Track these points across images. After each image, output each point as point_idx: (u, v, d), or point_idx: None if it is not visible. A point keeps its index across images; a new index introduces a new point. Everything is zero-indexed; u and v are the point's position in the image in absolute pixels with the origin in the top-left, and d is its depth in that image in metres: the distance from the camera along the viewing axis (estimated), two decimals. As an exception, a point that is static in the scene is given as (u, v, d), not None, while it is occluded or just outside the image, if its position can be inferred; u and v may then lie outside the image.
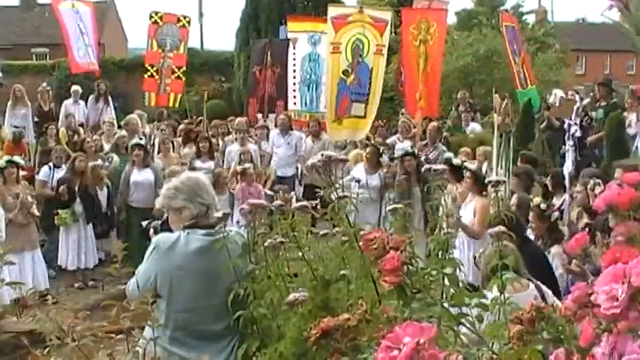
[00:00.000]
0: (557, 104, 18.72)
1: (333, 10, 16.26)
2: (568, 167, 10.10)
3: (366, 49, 15.54)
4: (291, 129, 15.59)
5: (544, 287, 6.16)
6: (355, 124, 15.53)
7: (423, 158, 13.04)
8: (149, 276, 4.31)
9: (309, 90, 17.36)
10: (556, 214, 8.39)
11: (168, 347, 4.07)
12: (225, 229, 4.10)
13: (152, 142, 15.97)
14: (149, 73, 18.89)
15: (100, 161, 12.99)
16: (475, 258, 8.64)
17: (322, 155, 3.43)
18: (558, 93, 19.35)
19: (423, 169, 3.50)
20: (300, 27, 18.03)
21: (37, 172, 13.35)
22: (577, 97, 17.31)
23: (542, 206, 8.23)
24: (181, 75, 19.00)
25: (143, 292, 4.24)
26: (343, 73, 15.58)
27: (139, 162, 12.65)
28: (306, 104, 17.39)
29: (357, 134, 15.58)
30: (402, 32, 16.18)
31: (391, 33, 16.72)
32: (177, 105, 19.18)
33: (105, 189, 12.56)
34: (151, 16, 18.79)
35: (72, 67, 20.09)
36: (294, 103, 17.36)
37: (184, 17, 19.52)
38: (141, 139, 14.66)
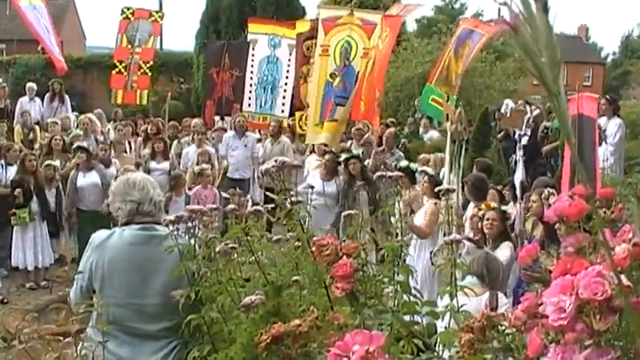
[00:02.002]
0: (507, 114, 18.94)
1: (324, 12, 16.25)
2: (518, 177, 10.16)
3: (354, 52, 15.46)
4: (247, 130, 15.58)
5: (501, 295, 6.24)
6: (332, 128, 15.44)
7: (380, 165, 13.10)
8: (84, 271, 4.35)
9: (264, 92, 17.32)
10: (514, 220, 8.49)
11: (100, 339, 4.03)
12: (169, 230, 4.08)
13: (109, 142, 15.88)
14: (117, 69, 18.72)
15: (57, 162, 12.79)
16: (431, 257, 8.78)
17: (276, 161, 3.42)
18: (509, 103, 19.57)
19: (375, 176, 3.49)
20: (261, 29, 17.96)
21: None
22: (527, 108, 17.54)
23: (508, 209, 8.38)
24: (147, 70, 18.84)
25: (85, 293, 4.32)
26: (330, 76, 15.53)
27: (82, 165, 12.44)
28: (261, 106, 17.32)
29: (333, 138, 15.46)
30: None
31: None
32: (144, 102, 18.97)
33: (53, 189, 12.37)
34: (122, 12, 18.67)
35: (55, 63, 19.81)
36: (249, 105, 17.29)
37: (157, 12, 19.44)
38: (97, 139, 14.54)
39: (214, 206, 4.10)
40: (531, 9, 1.46)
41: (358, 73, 15.43)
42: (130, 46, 18.62)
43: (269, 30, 17.86)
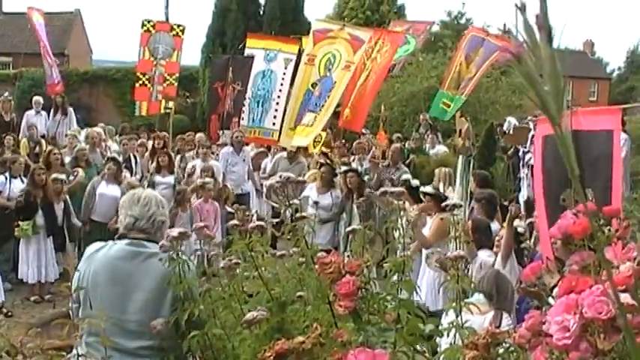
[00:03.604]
0: (510, 132, 18.96)
1: (317, 24, 16.43)
2: (523, 195, 10.15)
3: (336, 63, 15.62)
4: (244, 145, 15.63)
5: (505, 316, 6.21)
6: (301, 132, 15.59)
7: (385, 180, 13.10)
8: (75, 281, 4.32)
9: (258, 106, 17.39)
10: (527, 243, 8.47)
11: (85, 350, 4.01)
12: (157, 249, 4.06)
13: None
14: (141, 82, 18.78)
15: (64, 175, 12.80)
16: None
17: (280, 177, 3.41)
18: (512, 121, 19.59)
19: (379, 192, 3.48)
20: (259, 44, 18.11)
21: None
22: (531, 125, 17.54)
23: (520, 229, 8.35)
24: (173, 81, 18.92)
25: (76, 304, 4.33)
26: (312, 85, 15.65)
27: (109, 176, 12.49)
28: (253, 120, 17.39)
29: (302, 141, 15.56)
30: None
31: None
32: (166, 110, 18.93)
33: (62, 203, 12.38)
34: (143, 24, 18.74)
35: (47, 81, 20.20)
36: (242, 119, 17.36)
37: (178, 26, 19.50)
38: (102, 153, 14.57)
39: (188, 232, 3.95)
40: (535, 38, 1.44)
41: (335, 83, 15.57)
42: (152, 58, 18.67)
43: (266, 45, 18.00)
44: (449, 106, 17.56)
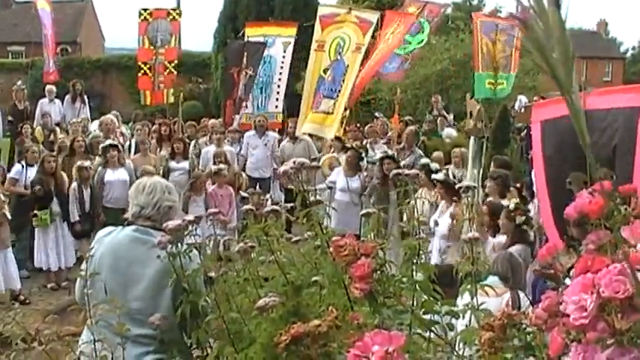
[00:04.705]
0: (521, 110, 18.82)
1: (323, 9, 16.41)
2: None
3: (346, 47, 15.60)
4: (267, 130, 15.63)
5: (523, 295, 6.20)
6: (322, 120, 15.53)
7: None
8: (89, 265, 4.30)
9: (261, 93, 17.47)
10: (521, 218, 8.40)
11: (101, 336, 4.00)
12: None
13: (130, 142, 15.96)
14: (142, 71, 18.77)
15: (88, 162, 12.85)
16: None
17: (294, 162, 3.39)
18: (522, 99, 19.44)
19: (392, 174, 3.47)
20: (257, 32, 18.20)
21: (9, 171, 13.16)
22: (539, 104, 17.49)
23: (511, 206, 8.29)
24: (172, 69, 18.90)
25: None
26: (324, 71, 15.64)
27: (112, 162, 12.60)
28: (258, 107, 17.48)
29: (325, 131, 15.52)
30: (379, 35, 16.30)
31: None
32: (171, 100, 18.92)
33: (89, 189, 12.42)
34: (140, 14, 18.69)
35: (45, 69, 20.31)
36: (246, 107, 17.41)
37: (174, 10, 19.50)
38: (115, 139, 14.58)
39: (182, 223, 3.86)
40: (543, 4, 1.42)
41: (348, 66, 15.55)
42: (152, 47, 18.64)
43: (265, 32, 18.08)
44: (494, 85, 17.39)
